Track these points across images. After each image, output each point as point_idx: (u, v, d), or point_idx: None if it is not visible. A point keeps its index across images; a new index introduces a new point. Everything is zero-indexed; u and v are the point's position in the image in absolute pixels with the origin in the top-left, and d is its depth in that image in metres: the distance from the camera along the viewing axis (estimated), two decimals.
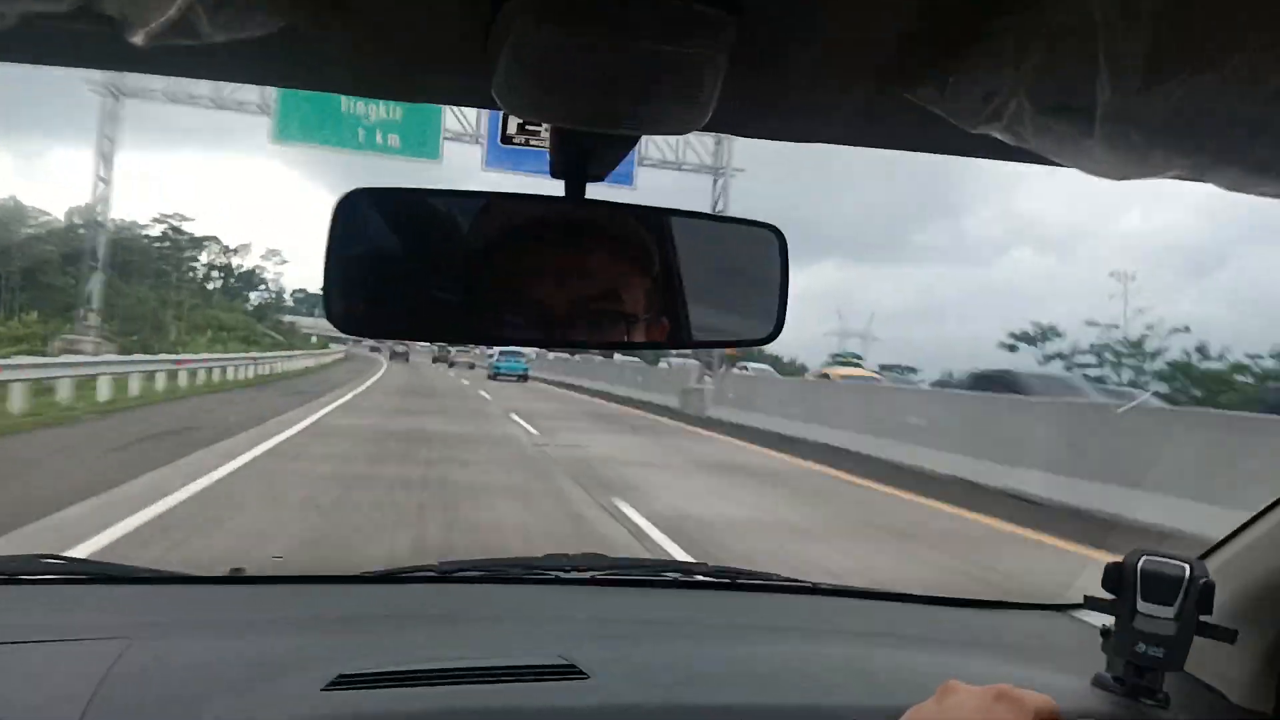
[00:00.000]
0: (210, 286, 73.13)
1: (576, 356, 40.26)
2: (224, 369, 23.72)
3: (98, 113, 24.46)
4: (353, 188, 0.76)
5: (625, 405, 26.00)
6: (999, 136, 0.64)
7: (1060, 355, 38.13)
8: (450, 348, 65.18)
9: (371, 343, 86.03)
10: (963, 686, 0.73)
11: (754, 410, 20.08)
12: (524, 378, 40.56)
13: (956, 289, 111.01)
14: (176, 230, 63.94)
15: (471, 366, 53.80)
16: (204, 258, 73.66)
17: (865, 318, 76.62)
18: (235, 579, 1.57)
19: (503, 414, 19.12)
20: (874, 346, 60.71)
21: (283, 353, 35.61)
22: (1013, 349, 39.52)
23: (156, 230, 63.13)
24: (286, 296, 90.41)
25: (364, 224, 0.77)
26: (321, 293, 0.76)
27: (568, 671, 1.16)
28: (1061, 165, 0.68)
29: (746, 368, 36.02)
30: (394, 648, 1.27)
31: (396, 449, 11.26)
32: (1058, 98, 0.59)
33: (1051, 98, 0.59)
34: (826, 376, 26.31)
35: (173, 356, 20.78)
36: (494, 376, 40.65)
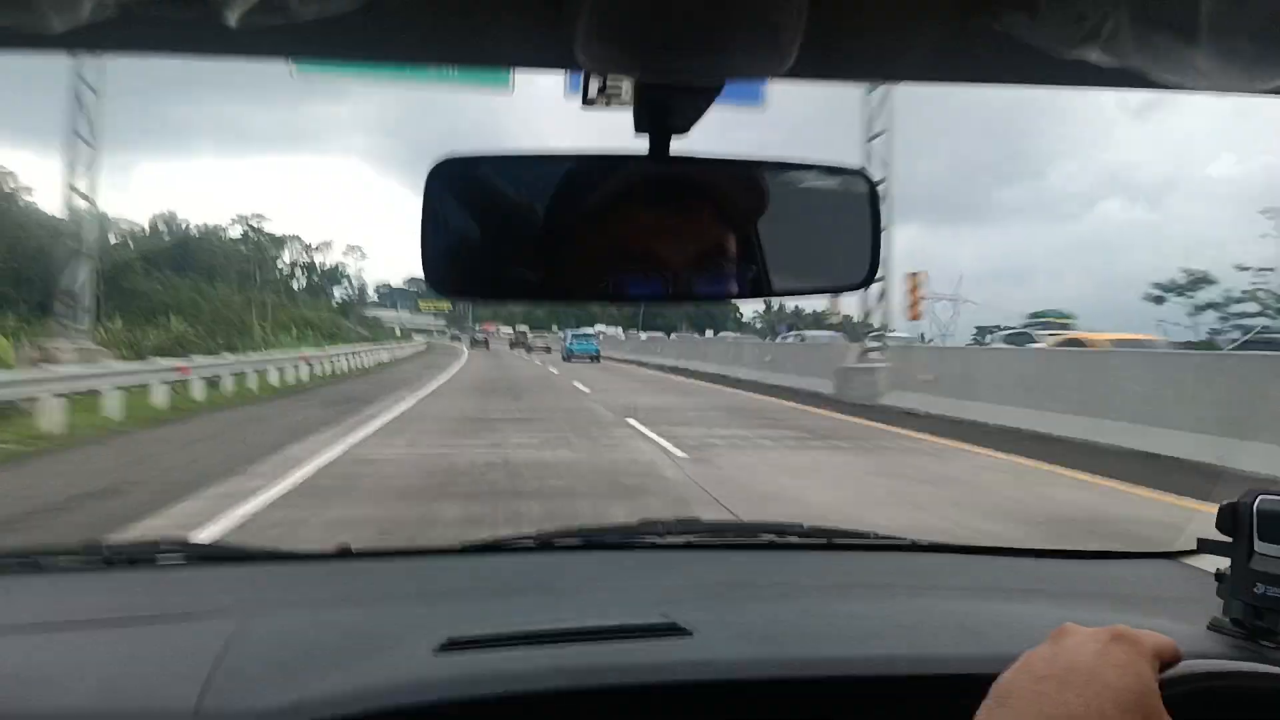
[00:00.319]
0: (295, 285, 76.68)
1: (672, 336, 40.60)
2: (296, 367, 23.90)
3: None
4: (443, 157, 0.79)
5: (760, 393, 21.67)
6: (1095, 60, 0.63)
7: (1213, 305, 35.02)
8: (527, 333, 68.54)
9: (454, 332, 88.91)
10: (1079, 629, 0.72)
11: (974, 399, 14.75)
12: (596, 358, 41.94)
13: (1044, 246, 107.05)
14: (256, 230, 67.04)
15: (548, 349, 55.08)
16: (287, 256, 77.49)
17: (954, 280, 74.02)
18: (343, 554, 1.65)
19: (615, 418, 14.72)
20: (965, 309, 58.98)
21: (361, 346, 36.67)
22: (1159, 300, 36.31)
23: (237, 231, 65.97)
24: (370, 291, 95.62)
25: (455, 191, 0.80)
26: (420, 261, 0.79)
27: (670, 630, 1.19)
28: (1163, 86, 0.66)
29: (803, 336, 34.90)
30: (499, 614, 1.32)
31: (455, 514, 6.87)
32: (1158, 10, 0.58)
33: (1151, 11, 0.58)
34: (1078, 343, 18.83)
35: (235, 358, 21.13)
36: (568, 358, 42.32)
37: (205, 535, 5.80)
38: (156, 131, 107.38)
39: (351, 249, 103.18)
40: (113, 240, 53.39)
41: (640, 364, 38.29)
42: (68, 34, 0.56)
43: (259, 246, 66.76)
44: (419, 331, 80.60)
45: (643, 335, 46.31)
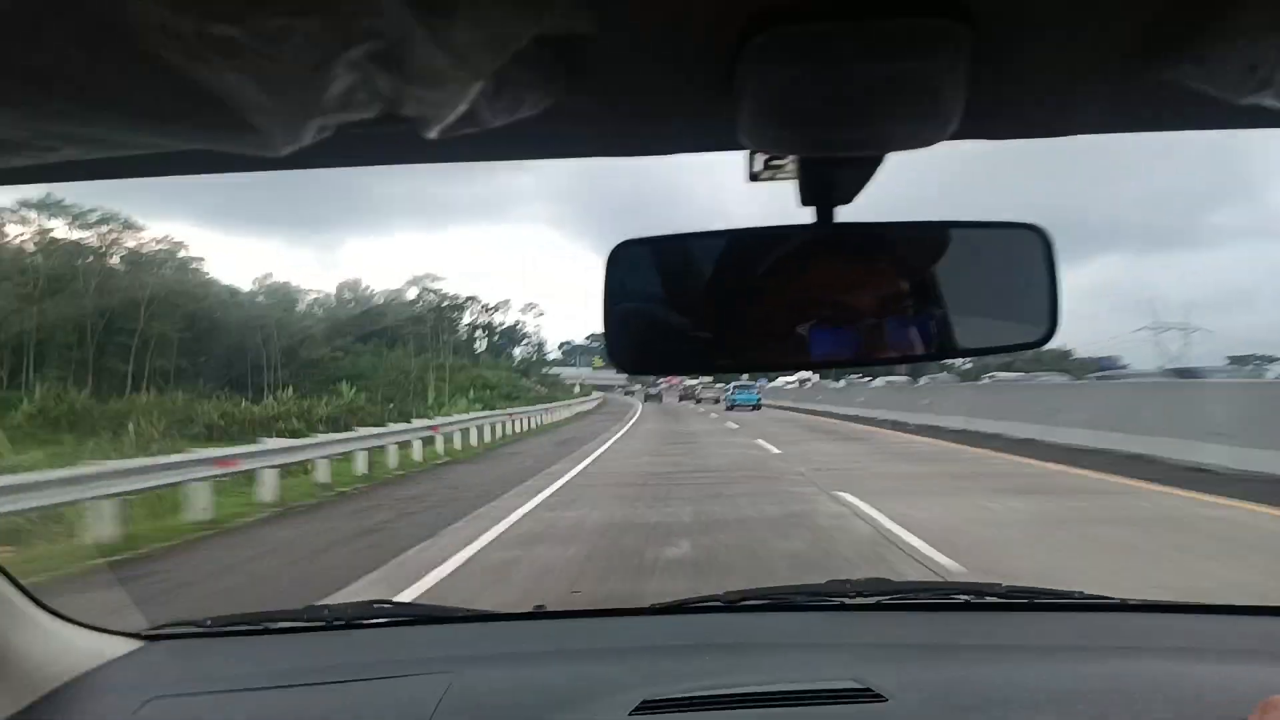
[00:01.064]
0: (477, 347, 79.32)
1: (842, 381, 37.82)
2: (458, 432, 21.87)
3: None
4: (623, 239, 0.88)
5: (1050, 460, 14.59)
6: (1270, 104, 0.65)
7: None
8: (696, 385, 69.70)
9: (626, 385, 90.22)
10: None
11: None
12: (757, 407, 45.26)
13: (1265, 268, 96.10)
14: (430, 290, 69.14)
15: (716, 400, 56.64)
16: (466, 319, 79.63)
17: (1184, 309, 67.06)
18: (540, 614, 1.80)
19: (819, 490, 11.12)
20: (1196, 338, 52.76)
21: (534, 407, 36.06)
22: None
23: (412, 293, 68.34)
24: (549, 348, 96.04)
25: (634, 270, 0.89)
26: (603, 338, 0.88)
27: (864, 695, 1.21)
28: None
29: (994, 376, 31.53)
30: (689, 675, 1.38)
31: None
32: None
33: None
34: None
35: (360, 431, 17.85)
36: (730, 407, 46.54)
37: None
38: (359, 210, 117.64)
39: (529, 307, 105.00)
40: (300, 309, 56.96)
41: (853, 419, 31.92)
42: (287, 156, 0.63)
43: (438, 310, 69.10)
44: (601, 387, 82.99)
45: (838, 383, 42.84)
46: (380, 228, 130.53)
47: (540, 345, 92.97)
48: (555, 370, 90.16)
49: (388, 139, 0.76)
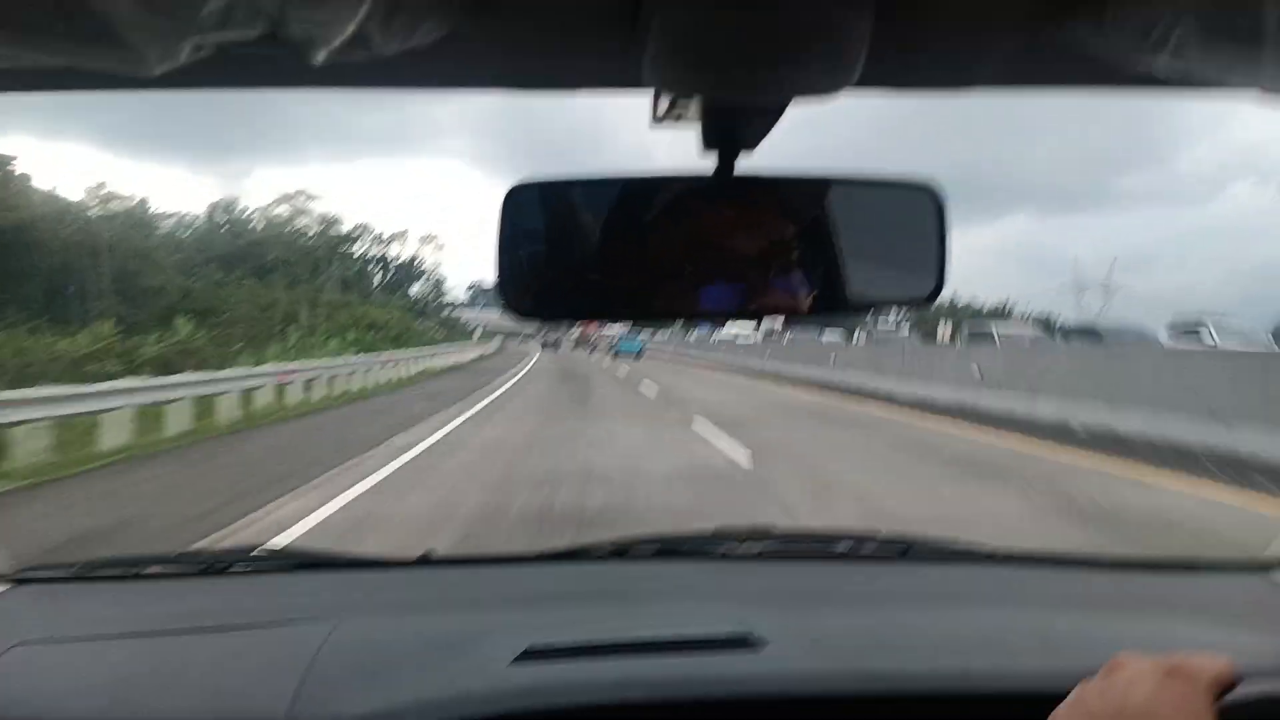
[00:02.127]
0: (374, 281, 73.85)
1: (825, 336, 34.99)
2: (318, 379, 20.24)
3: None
4: (519, 181, 0.90)
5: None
6: (1161, 70, 0.70)
7: None
8: (590, 334, 71.13)
9: (530, 333, 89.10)
10: (1131, 661, 0.76)
11: None
12: (639, 356, 51.14)
13: (1169, 233, 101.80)
14: (301, 211, 62.67)
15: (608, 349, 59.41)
16: (358, 249, 73.44)
17: (1106, 266, 69.00)
18: (426, 561, 1.82)
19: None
20: (1116, 298, 54.27)
21: (410, 350, 34.37)
22: None
23: (283, 211, 61.55)
24: (450, 286, 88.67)
25: (530, 214, 0.91)
26: (495, 283, 0.90)
27: (745, 641, 1.30)
28: (1233, 90, 0.74)
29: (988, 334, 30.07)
30: (576, 622, 1.47)
31: None
32: (1226, 19, 0.64)
33: (1219, 20, 0.64)
34: None
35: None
36: (615, 356, 51.76)
37: None
38: (268, 139, 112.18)
39: (428, 238, 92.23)
40: (162, 230, 52.14)
41: (785, 379, 28.61)
42: (163, 76, 0.64)
43: (323, 237, 63.68)
44: (510, 334, 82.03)
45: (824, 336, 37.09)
46: (291, 158, 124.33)
47: (439, 283, 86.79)
48: (458, 313, 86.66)
49: (272, 61, 0.75)
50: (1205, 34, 0.65)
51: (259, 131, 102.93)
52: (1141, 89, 0.85)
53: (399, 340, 43.45)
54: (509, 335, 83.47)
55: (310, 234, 63.35)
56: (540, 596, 1.65)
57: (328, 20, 0.60)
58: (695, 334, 56.69)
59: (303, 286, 47.79)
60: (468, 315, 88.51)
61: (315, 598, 1.60)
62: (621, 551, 1.82)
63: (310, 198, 65.63)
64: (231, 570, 1.72)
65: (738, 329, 44.61)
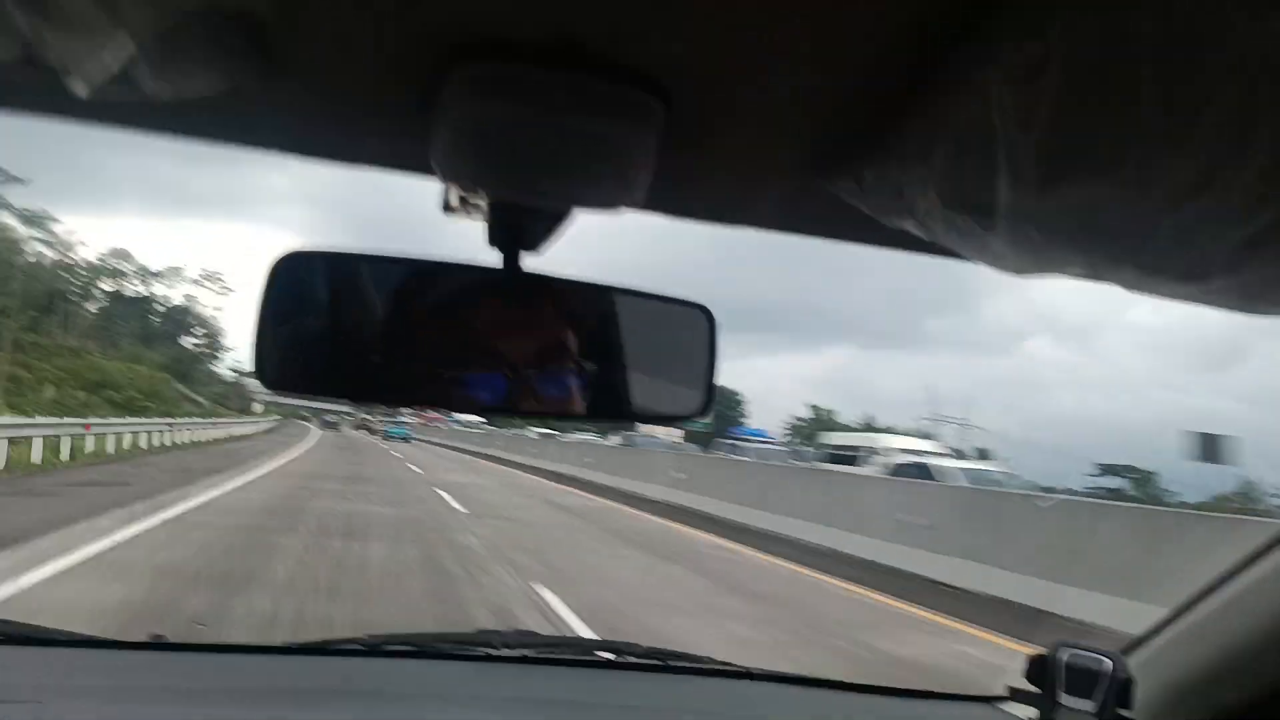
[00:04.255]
0: (126, 325, 60.53)
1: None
2: None
3: None
4: (289, 250, 0.87)
5: None
6: (913, 231, 0.76)
7: None
8: (372, 417, 71.51)
9: (307, 411, 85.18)
10: None
11: None
12: (406, 440, 56.48)
13: (973, 378, 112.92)
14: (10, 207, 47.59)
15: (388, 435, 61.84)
16: (107, 286, 59.96)
17: (963, 405, 73.67)
18: (155, 645, 1.70)
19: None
20: (972, 434, 58.09)
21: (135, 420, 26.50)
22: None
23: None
24: (230, 343, 74.28)
25: (299, 285, 0.88)
26: (253, 354, 0.86)
27: None
28: (969, 260, 0.80)
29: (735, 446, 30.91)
30: None
31: None
32: (963, 196, 0.70)
33: (958, 196, 0.70)
34: None
35: None
36: (387, 438, 57.17)
37: None
38: (72, 181, 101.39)
39: (208, 276, 74.74)
40: None
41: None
42: None
43: (70, 270, 51.63)
44: (314, 411, 79.10)
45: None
46: (103, 207, 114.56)
47: (216, 336, 73.67)
48: (245, 379, 70.92)
49: (32, 87, 0.72)
50: (945, 209, 0.70)
51: (63, 173, 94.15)
52: (898, 247, 0.91)
53: (133, 408, 34.58)
54: (334, 415, 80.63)
55: (47, 262, 50.82)
56: (283, 691, 1.55)
57: (88, 51, 0.59)
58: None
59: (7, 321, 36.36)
60: (254, 384, 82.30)
61: (23, 675, 1.47)
62: (375, 648, 1.75)
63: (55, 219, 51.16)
64: None
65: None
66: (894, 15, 0.61)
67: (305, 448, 34.55)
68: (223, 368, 75.40)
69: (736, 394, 76.69)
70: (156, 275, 65.72)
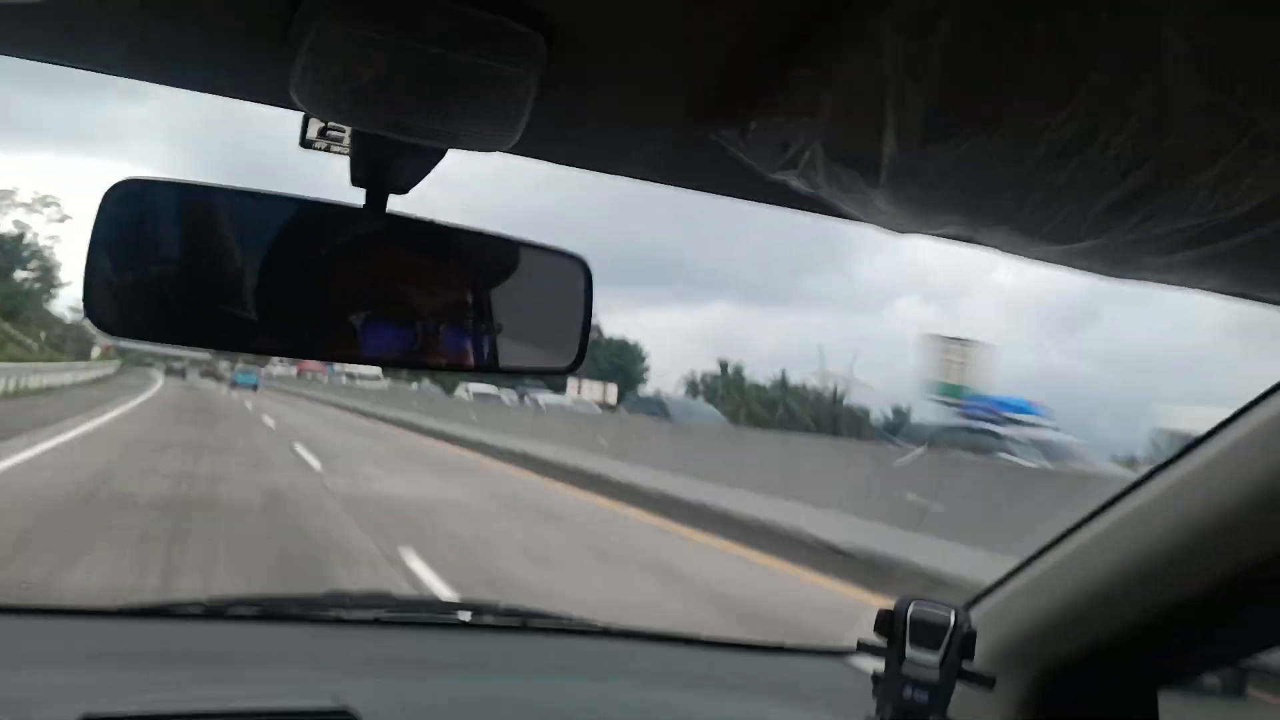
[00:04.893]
0: None
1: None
2: None
3: None
4: (126, 177, 0.81)
5: None
6: (794, 184, 0.75)
7: None
8: (221, 364, 69.61)
9: (152, 359, 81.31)
10: None
11: None
12: (255, 388, 53.83)
13: (840, 336, 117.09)
14: None
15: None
16: None
17: (849, 360, 73.96)
18: None
19: None
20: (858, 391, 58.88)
21: None
22: None
23: None
24: (62, 278, 65.50)
25: (136, 216, 0.82)
26: (84, 290, 0.79)
27: (339, 716, 1.24)
28: (849, 217, 0.80)
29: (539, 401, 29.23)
30: (153, 688, 1.32)
31: None
32: (849, 148, 0.69)
33: (842, 149, 0.69)
34: None
35: None
36: (233, 386, 54.36)
37: None
38: None
39: (41, 201, 63.53)
40: None
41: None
42: None
43: None
44: (151, 355, 74.28)
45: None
46: None
47: (50, 269, 63.99)
48: (86, 321, 70.22)
49: None
50: (829, 161, 0.69)
51: None
52: (772, 202, 0.90)
53: None
54: (147, 360, 76.21)
55: None
56: (113, 656, 1.48)
57: None
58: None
59: None
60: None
61: None
62: (216, 611, 1.69)
63: None
64: None
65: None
66: None
67: (124, 409, 26.57)
68: (62, 307, 68.02)
69: (639, 347, 65.12)
70: None
